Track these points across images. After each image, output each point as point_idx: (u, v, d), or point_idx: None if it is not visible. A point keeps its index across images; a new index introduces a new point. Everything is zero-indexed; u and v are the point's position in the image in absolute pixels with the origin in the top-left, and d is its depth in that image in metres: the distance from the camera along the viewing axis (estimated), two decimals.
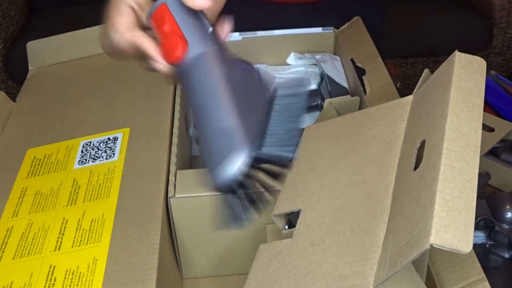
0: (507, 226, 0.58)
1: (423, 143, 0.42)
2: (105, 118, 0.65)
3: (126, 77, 0.74)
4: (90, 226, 0.51)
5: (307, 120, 0.74)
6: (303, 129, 0.44)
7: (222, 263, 0.59)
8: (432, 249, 0.33)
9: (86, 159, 0.59)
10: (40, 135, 0.65)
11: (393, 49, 1.58)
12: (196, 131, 0.69)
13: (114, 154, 0.59)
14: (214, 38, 0.37)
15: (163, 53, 0.39)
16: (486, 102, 0.45)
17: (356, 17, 0.80)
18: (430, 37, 1.74)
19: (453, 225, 0.34)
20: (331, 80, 0.74)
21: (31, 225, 0.53)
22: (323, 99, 0.73)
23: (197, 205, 0.54)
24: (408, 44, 1.75)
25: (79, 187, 0.56)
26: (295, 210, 0.48)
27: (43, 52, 0.80)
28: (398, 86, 0.73)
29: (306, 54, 0.80)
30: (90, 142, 0.62)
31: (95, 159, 0.59)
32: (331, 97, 0.72)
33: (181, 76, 0.37)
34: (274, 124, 0.37)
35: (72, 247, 0.49)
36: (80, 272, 0.47)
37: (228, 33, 0.42)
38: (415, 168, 0.41)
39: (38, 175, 0.59)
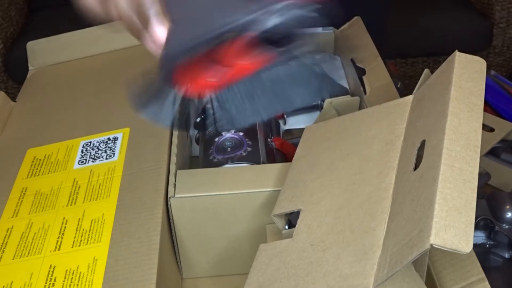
0: (507, 226, 0.58)
1: (423, 143, 0.42)
2: (105, 118, 0.65)
3: (126, 77, 0.73)
4: (90, 226, 0.51)
5: (307, 120, 0.74)
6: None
7: (222, 263, 0.59)
8: (432, 249, 0.33)
9: (86, 159, 0.59)
10: (40, 135, 0.65)
11: (393, 49, 1.58)
12: (196, 132, 0.69)
13: (114, 154, 0.59)
14: None
15: None
16: (486, 102, 0.45)
17: (356, 17, 0.80)
18: (430, 37, 1.74)
19: (453, 225, 0.34)
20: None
21: (31, 225, 0.53)
22: (323, 99, 0.73)
23: (197, 205, 0.54)
24: (408, 44, 1.75)
25: (79, 187, 0.56)
26: (295, 210, 0.48)
27: (43, 52, 0.80)
28: (398, 86, 0.73)
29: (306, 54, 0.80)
30: (90, 142, 0.62)
31: (95, 159, 0.59)
32: (331, 97, 0.72)
33: None
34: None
35: (72, 247, 0.49)
36: (80, 272, 0.47)
37: None
38: (415, 168, 0.41)
39: (38, 175, 0.59)
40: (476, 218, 0.35)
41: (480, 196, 0.54)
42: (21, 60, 0.84)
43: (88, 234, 0.50)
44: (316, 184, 0.49)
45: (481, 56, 0.45)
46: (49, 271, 0.48)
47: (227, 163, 0.59)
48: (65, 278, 0.47)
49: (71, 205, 0.54)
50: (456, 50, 0.45)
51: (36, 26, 1.79)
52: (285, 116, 0.74)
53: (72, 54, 0.80)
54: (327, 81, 0.42)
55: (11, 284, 0.47)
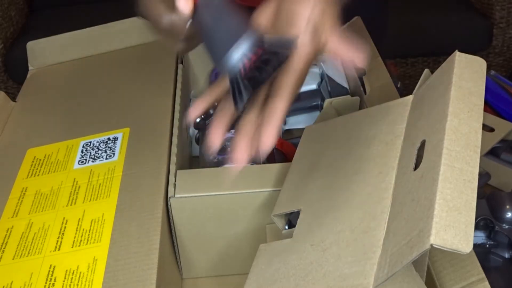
0: (507, 226, 0.58)
1: (423, 143, 0.42)
2: (105, 118, 0.65)
3: (126, 77, 0.74)
4: (90, 226, 0.51)
5: (307, 120, 0.74)
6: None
7: (222, 263, 0.59)
8: (432, 249, 0.33)
9: (86, 159, 0.59)
10: (40, 135, 0.65)
11: (393, 49, 1.58)
12: (197, 131, 0.69)
13: (114, 154, 0.59)
14: None
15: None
16: (486, 102, 0.45)
17: (356, 17, 0.80)
18: (430, 37, 1.74)
19: (453, 225, 0.34)
20: (331, 80, 0.74)
21: (31, 225, 0.53)
22: (323, 99, 0.73)
23: (197, 205, 0.54)
24: (408, 44, 1.75)
25: (79, 187, 0.56)
26: (295, 210, 0.48)
27: (43, 52, 0.80)
28: (398, 86, 0.73)
29: None
30: (90, 142, 0.62)
31: (95, 159, 0.59)
32: (331, 97, 0.72)
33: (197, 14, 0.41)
34: None
35: (72, 247, 0.49)
36: (80, 272, 0.47)
37: None
38: (415, 168, 0.41)
39: (38, 175, 0.59)
40: (476, 218, 0.35)
41: (480, 196, 0.54)
42: (21, 60, 0.84)
43: (88, 234, 0.50)
44: (316, 184, 0.49)
45: (481, 56, 0.44)
46: (49, 271, 0.48)
47: (227, 163, 0.59)
48: (65, 278, 0.47)
49: (71, 205, 0.54)
50: (456, 50, 0.45)
51: (36, 26, 1.79)
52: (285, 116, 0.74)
53: (72, 54, 0.80)
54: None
55: (11, 284, 0.47)
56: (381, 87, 0.66)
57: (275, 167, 0.56)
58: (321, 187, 0.48)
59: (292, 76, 0.42)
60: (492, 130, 0.74)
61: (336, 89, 0.73)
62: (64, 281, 0.46)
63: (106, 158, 0.59)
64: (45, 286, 0.46)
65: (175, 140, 0.60)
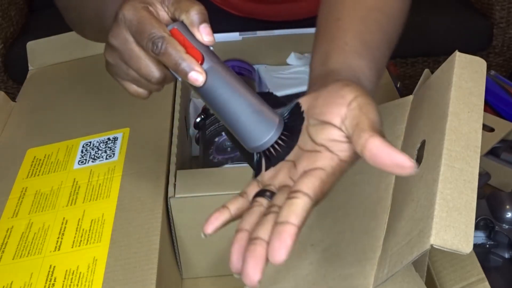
0: (507, 226, 0.58)
1: (423, 143, 0.42)
2: (105, 118, 0.65)
3: None
4: (90, 226, 0.51)
5: None
6: None
7: (222, 263, 0.59)
8: (432, 249, 0.33)
9: (86, 159, 0.59)
10: (40, 135, 0.65)
11: None
12: (197, 131, 0.69)
13: (114, 154, 0.59)
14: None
15: None
16: (486, 102, 0.45)
17: None
18: (430, 37, 1.74)
19: (453, 225, 0.34)
20: None
21: (31, 225, 0.52)
22: None
23: (197, 205, 0.54)
24: (408, 44, 1.75)
25: (79, 187, 0.56)
26: None
27: (43, 52, 0.80)
28: (398, 86, 0.73)
29: (306, 54, 0.80)
30: (90, 142, 0.62)
31: (95, 159, 0.59)
32: None
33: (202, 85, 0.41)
34: None
35: (72, 247, 0.49)
36: (80, 272, 0.47)
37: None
38: None
39: (38, 175, 0.59)
40: (476, 218, 0.35)
41: (480, 196, 0.54)
42: (21, 60, 0.84)
43: (88, 234, 0.50)
44: None
45: (481, 56, 0.44)
46: (49, 271, 0.48)
47: (227, 163, 0.59)
48: (65, 278, 0.47)
49: (71, 205, 0.54)
50: (456, 50, 0.45)
51: (36, 26, 1.78)
52: None
53: (72, 54, 0.80)
54: None
55: (11, 284, 0.47)
56: (381, 87, 0.66)
57: None
58: None
59: (318, 179, 0.36)
60: (492, 130, 0.74)
61: None
62: (64, 281, 0.46)
63: (106, 158, 0.59)
64: (45, 286, 0.46)
65: (175, 140, 0.60)
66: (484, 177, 0.66)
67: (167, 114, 0.63)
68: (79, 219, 0.52)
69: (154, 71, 0.42)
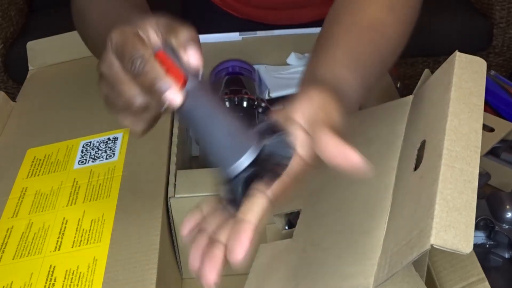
0: (507, 226, 0.58)
1: (423, 144, 0.42)
2: (105, 118, 0.65)
3: None
4: (90, 226, 0.51)
5: None
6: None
7: None
8: (432, 249, 0.33)
9: (86, 159, 0.59)
10: (40, 135, 0.65)
11: None
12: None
13: (114, 154, 0.59)
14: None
15: None
16: (486, 102, 0.45)
17: None
18: (430, 37, 1.73)
19: (453, 225, 0.34)
20: None
21: (31, 225, 0.52)
22: None
23: None
24: (408, 44, 1.75)
25: (79, 187, 0.56)
26: (295, 210, 0.48)
27: (43, 52, 0.80)
28: (398, 86, 0.73)
29: (306, 54, 0.80)
30: (90, 142, 0.62)
31: (95, 159, 0.59)
32: None
33: (182, 106, 0.39)
34: None
35: (72, 247, 0.49)
36: (80, 272, 0.47)
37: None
38: (415, 169, 0.41)
39: (38, 175, 0.59)
40: (476, 218, 0.35)
41: (480, 196, 0.54)
42: (21, 60, 0.84)
43: (88, 234, 0.50)
44: (316, 184, 0.49)
45: (481, 56, 0.44)
46: (49, 271, 0.48)
47: None
48: (65, 278, 0.47)
49: (71, 205, 0.54)
50: (456, 50, 0.45)
51: (36, 26, 1.78)
52: None
53: (72, 54, 0.80)
54: None
55: (11, 284, 0.47)
56: (381, 87, 0.66)
57: None
58: (321, 187, 0.48)
59: (281, 183, 0.38)
60: (492, 130, 0.74)
61: None
62: (64, 281, 0.46)
63: (106, 158, 0.59)
64: (45, 286, 0.46)
65: (175, 140, 0.60)
66: (484, 177, 0.66)
67: (167, 114, 0.63)
68: (79, 219, 0.52)
69: (135, 95, 0.39)
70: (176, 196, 0.53)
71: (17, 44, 1.71)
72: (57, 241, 0.50)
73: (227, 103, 0.67)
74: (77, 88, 0.74)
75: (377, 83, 0.52)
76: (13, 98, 0.73)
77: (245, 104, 0.67)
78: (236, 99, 0.67)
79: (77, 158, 0.60)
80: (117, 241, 0.49)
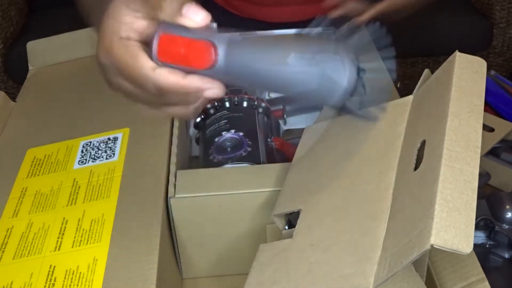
0: (507, 226, 0.58)
1: (423, 144, 0.42)
2: (105, 118, 0.65)
3: None
4: (90, 226, 0.51)
5: (307, 120, 0.74)
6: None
7: (222, 263, 0.59)
8: (432, 249, 0.33)
9: (86, 159, 0.59)
10: (40, 135, 0.65)
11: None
12: (197, 131, 0.69)
13: (114, 154, 0.59)
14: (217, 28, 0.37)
15: (196, 65, 0.36)
16: (486, 102, 0.45)
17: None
18: (430, 37, 1.74)
19: (453, 225, 0.34)
20: None
21: (31, 225, 0.53)
22: None
23: (197, 205, 0.54)
24: (408, 44, 1.75)
25: (79, 187, 0.56)
26: (295, 210, 0.48)
27: (43, 52, 0.80)
28: (398, 86, 0.73)
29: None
30: (90, 142, 0.62)
31: (95, 159, 0.59)
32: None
33: (225, 70, 0.36)
34: None
35: (72, 247, 0.49)
36: (80, 272, 0.47)
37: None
38: (415, 169, 0.41)
39: (38, 175, 0.59)
40: (476, 218, 0.35)
41: (480, 196, 0.54)
42: (21, 60, 0.84)
43: (88, 234, 0.50)
44: (316, 184, 0.49)
45: (481, 56, 0.44)
46: (49, 271, 0.48)
47: (227, 163, 0.59)
48: (65, 278, 0.47)
49: (71, 205, 0.54)
50: (456, 50, 0.45)
51: (36, 26, 1.78)
52: (285, 116, 0.74)
53: (72, 54, 0.80)
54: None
55: (11, 284, 0.47)
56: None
57: (275, 167, 0.56)
58: (321, 187, 0.48)
59: None
60: (492, 130, 0.74)
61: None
62: (64, 281, 0.46)
63: (106, 158, 0.59)
64: (45, 286, 0.46)
65: (175, 140, 0.60)
66: (484, 177, 0.66)
67: None
68: (79, 219, 0.52)
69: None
70: (176, 196, 0.53)
71: (17, 44, 1.71)
72: (57, 241, 0.50)
73: (227, 103, 0.67)
74: (77, 88, 0.74)
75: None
76: (13, 98, 0.73)
77: (245, 104, 0.67)
78: (236, 99, 0.67)
79: (77, 158, 0.60)
80: (117, 241, 0.49)
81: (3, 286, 0.47)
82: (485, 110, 0.42)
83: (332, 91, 0.36)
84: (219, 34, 0.35)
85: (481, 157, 0.55)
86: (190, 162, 0.70)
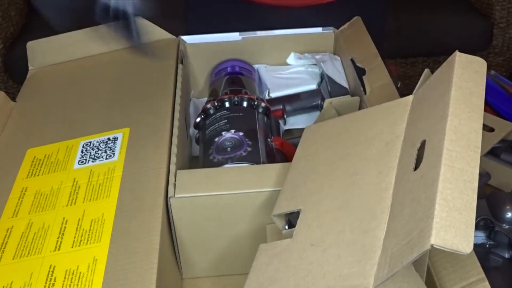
0: (507, 226, 0.58)
1: (423, 143, 0.42)
2: (105, 118, 0.65)
3: (126, 77, 0.74)
4: (90, 226, 0.51)
5: (307, 120, 0.74)
6: None
7: (222, 263, 0.59)
8: (432, 249, 0.33)
9: (86, 159, 0.59)
10: (40, 135, 0.65)
11: (393, 49, 1.58)
12: (197, 131, 0.69)
13: (114, 154, 0.59)
14: None
15: None
16: (486, 102, 0.45)
17: (356, 17, 0.80)
18: (430, 37, 1.74)
19: (453, 225, 0.34)
20: (331, 80, 0.74)
21: (31, 225, 0.53)
22: (323, 99, 0.73)
23: (197, 205, 0.54)
24: (408, 44, 1.75)
25: (79, 187, 0.56)
26: (295, 210, 0.48)
27: (43, 52, 0.80)
28: (398, 86, 0.73)
29: (306, 54, 0.80)
30: (90, 142, 0.62)
31: (95, 159, 0.59)
32: (331, 97, 0.72)
33: None
34: None
35: (72, 247, 0.49)
36: (80, 272, 0.47)
37: None
38: (415, 168, 0.41)
39: (38, 175, 0.59)
40: (476, 218, 0.35)
41: (480, 196, 0.54)
42: (21, 60, 0.84)
43: (88, 234, 0.50)
44: (316, 184, 0.49)
45: (481, 56, 0.45)
46: (49, 271, 0.48)
47: (227, 163, 0.59)
48: (65, 278, 0.47)
49: (71, 205, 0.54)
50: (456, 50, 0.45)
51: (36, 26, 1.78)
52: (285, 116, 0.74)
53: (72, 54, 0.80)
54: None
55: (11, 284, 0.47)
56: (381, 87, 0.66)
57: (275, 167, 0.56)
58: (321, 187, 0.48)
59: None
60: (492, 130, 0.74)
61: (336, 89, 0.73)
62: (64, 281, 0.46)
63: (106, 158, 0.59)
64: (45, 286, 0.46)
65: (175, 140, 0.60)
66: (484, 177, 0.66)
67: (167, 114, 0.63)
68: (79, 219, 0.52)
69: None
70: (176, 196, 0.53)
71: (17, 44, 1.71)
72: (57, 241, 0.50)
73: (227, 103, 0.67)
74: (77, 88, 0.74)
75: None
76: (13, 98, 0.73)
77: (245, 104, 0.67)
78: (236, 99, 0.67)
79: (77, 158, 0.60)
80: (117, 241, 0.49)
81: (3, 286, 0.47)
82: (485, 110, 0.42)
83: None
84: None
85: (481, 157, 0.55)
86: (190, 162, 0.70)
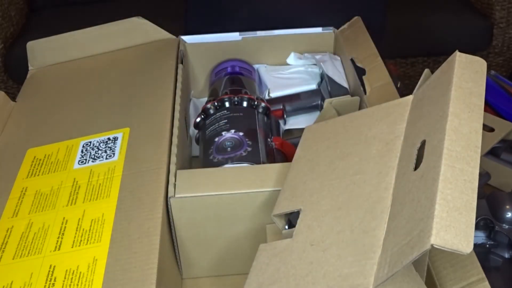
0: (507, 226, 0.58)
1: (423, 143, 0.42)
2: (105, 118, 0.65)
3: (126, 77, 0.74)
4: (90, 226, 0.51)
5: (307, 120, 0.74)
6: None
7: (222, 263, 0.59)
8: (432, 249, 0.33)
9: (86, 159, 0.59)
10: (40, 135, 0.65)
11: (393, 49, 1.58)
12: (197, 131, 0.69)
13: (114, 154, 0.59)
14: None
15: None
16: (486, 102, 0.45)
17: (356, 17, 0.80)
18: (430, 37, 1.74)
19: (453, 225, 0.34)
20: (331, 80, 0.74)
21: (31, 225, 0.53)
22: (323, 99, 0.73)
23: (197, 205, 0.54)
24: (408, 44, 1.75)
25: (79, 187, 0.56)
26: (295, 210, 0.48)
27: (43, 52, 0.80)
28: (398, 86, 0.73)
29: (306, 54, 0.80)
30: (90, 142, 0.62)
31: (95, 159, 0.59)
32: (331, 97, 0.72)
33: None
34: None
35: (72, 247, 0.49)
36: (80, 272, 0.47)
37: None
38: (415, 168, 0.41)
39: (38, 175, 0.59)
40: (476, 218, 0.35)
41: (480, 196, 0.54)
42: (21, 60, 0.84)
43: (88, 234, 0.50)
44: (316, 184, 0.49)
45: (481, 56, 0.45)
46: (49, 271, 0.48)
47: (227, 163, 0.59)
48: (65, 278, 0.47)
49: (71, 205, 0.54)
50: (457, 50, 0.45)
51: (36, 26, 1.78)
52: (285, 116, 0.74)
53: (72, 54, 0.80)
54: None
55: (11, 284, 0.47)
56: (381, 87, 0.66)
57: (275, 167, 0.56)
58: (321, 187, 0.48)
59: None
60: (492, 130, 0.74)
61: (336, 89, 0.73)
62: (64, 281, 0.46)
63: (106, 158, 0.59)
64: (45, 286, 0.46)
65: (175, 140, 0.60)
66: (484, 177, 0.66)
67: (167, 114, 0.63)
68: (79, 219, 0.52)
69: None
70: (176, 196, 0.53)
71: (17, 44, 1.71)
72: (57, 241, 0.50)
73: (227, 103, 0.67)
74: (77, 88, 0.74)
75: None
76: (13, 98, 0.73)
77: (245, 104, 0.67)
78: (236, 99, 0.67)
79: (77, 158, 0.60)
80: (117, 241, 0.49)
81: (3, 286, 0.47)
82: (485, 110, 0.42)
83: None
84: None
85: (481, 157, 0.55)
86: (190, 162, 0.70)
